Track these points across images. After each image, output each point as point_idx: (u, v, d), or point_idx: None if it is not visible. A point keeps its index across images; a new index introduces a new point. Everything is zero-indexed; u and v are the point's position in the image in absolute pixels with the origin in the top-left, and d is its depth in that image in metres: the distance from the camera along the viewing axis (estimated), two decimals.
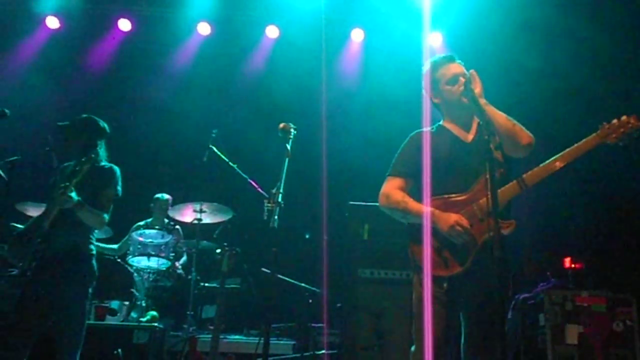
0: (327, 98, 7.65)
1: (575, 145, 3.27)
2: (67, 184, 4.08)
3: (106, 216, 4.36)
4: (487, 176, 2.85)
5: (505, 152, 3.34)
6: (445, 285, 3.26)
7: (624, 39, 6.97)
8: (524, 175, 3.26)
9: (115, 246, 6.93)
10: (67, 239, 4.23)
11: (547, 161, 3.27)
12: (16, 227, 4.51)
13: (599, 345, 5.48)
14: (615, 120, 3.26)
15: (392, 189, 3.51)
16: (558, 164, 3.25)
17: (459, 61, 3.57)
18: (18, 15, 8.27)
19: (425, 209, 3.32)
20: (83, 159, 4.17)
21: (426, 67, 3.63)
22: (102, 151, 4.51)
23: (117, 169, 4.47)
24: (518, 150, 3.34)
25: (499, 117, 3.29)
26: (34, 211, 6.20)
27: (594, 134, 3.28)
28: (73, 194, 4.09)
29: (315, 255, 7.17)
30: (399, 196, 3.46)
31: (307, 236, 7.46)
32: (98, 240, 6.28)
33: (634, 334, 5.51)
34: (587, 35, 6.97)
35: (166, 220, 7.21)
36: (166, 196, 7.31)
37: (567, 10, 7.15)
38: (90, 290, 4.33)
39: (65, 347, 4.14)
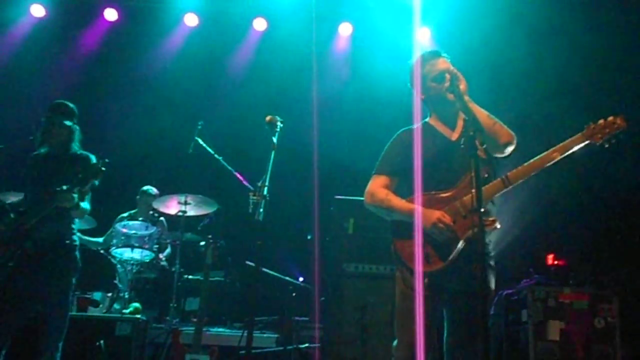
0: (315, 91, 7.64)
1: (560, 144, 3.27)
2: (69, 186, 4.07)
3: (88, 206, 4.36)
4: (472, 173, 2.85)
5: (488, 150, 3.34)
6: (426, 280, 3.26)
7: (614, 35, 7.01)
8: (508, 173, 3.26)
9: (100, 239, 6.89)
10: (50, 231, 4.22)
11: (532, 160, 3.28)
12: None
13: (581, 341, 5.53)
14: (601, 121, 3.26)
15: (376, 187, 3.52)
16: (543, 163, 3.24)
17: (446, 56, 3.57)
18: (1, 2, 8.17)
19: (415, 206, 3.32)
20: (100, 166, 4.13)
21: (412, 62, 3.61)
22: (77, 136, 4.51)
23: (93, 156, 4.47)
24: (498, 149, 3.34)
25: (481, 114, 3.28)
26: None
27: (579, 134, 3.28)
28: (75, 196, 4.10)
29: (300, 249, 7.18)
30: (383, 194, 3.47)
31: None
32: (82, 231, 6.28)
33: (615, 330, 5.56)
34: (577, 32, 7.00)
35: (150, 212, 7.17)
36: (155, 190, 7.27)
37: (557, 7, 7.19)
38: (73, 281, 4.33)
39: (48, 338, 4.15)
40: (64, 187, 4.06)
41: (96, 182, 4.35)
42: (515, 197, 6.83)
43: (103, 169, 4.13)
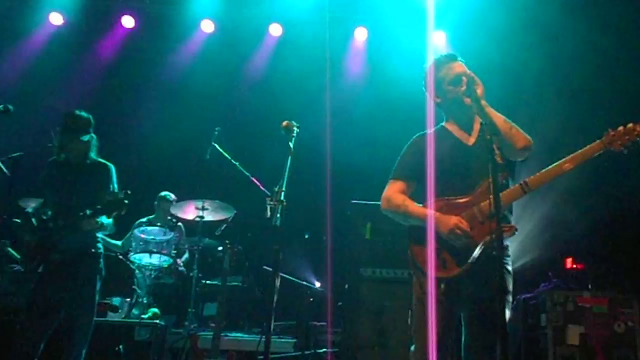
0: (330, 96, 7.65)
1: (579, 151, 3.23)
2: (92, 212, 4.12)
3: (111, 220, 4.41)
4: (490, 179, 2.84)
5: (504, 154, 3.32)
6: (442, 286, 3.25)
7: (628, 39, 6.95)
8: (528, 179, 3.24)
9: (119, 242, 6.94)
10: (76, 241, 4.30)
11: (550, 166, 3.24)
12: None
13: (601, 346, 5.48)
14: (620, 127, 3.22)
15: (393, 192, 3.52)
16: (561, 170, 3.21)
17: (462, 60, 3.56)
18: (21, 11, 8.28)
19: (428, 211, 3.31)
20: (123, 198, 4.14)
21: (428, 66, 3.61)
22: (94, 144, 4.54)
23: (111, 165, 4.53)
24: (514, 153, 3.32)
25: (498, 118, 3.27)
26: None
27: (597, 141, 3.24)
28: (99, 220, 4.21)
29: (317, 253, 7.18)
30: (400, 200, 3.47)
31: (306, 236, 7.44)
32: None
33: (635, 335, 5.52)
34: (591, 35, 6.95)
35: (168, 218, 7.21)
36: (173, 196, 7.31)
37: (571, 10, 7.14)
38: (98, 288, 4.40)
39: (73, 345, 4.21)
40: (88, 212, 4.11)
41: (116, 187, 4.40)
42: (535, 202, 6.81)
43: (126, 201, 4.13)
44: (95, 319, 4.71)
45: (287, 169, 3.62)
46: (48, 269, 4.23)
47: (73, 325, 4.24)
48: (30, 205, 6.38)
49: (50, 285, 4.23)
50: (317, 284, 7.26)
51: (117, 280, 6.51)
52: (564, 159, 3.24)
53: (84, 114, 4.54)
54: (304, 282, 6.81)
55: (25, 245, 4.37)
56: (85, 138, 4.45)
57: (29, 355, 4.12)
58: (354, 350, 5.39)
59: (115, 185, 4.49)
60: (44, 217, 4.29)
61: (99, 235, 4.60)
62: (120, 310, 6.06)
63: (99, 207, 4.09)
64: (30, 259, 4.27)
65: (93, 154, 4.52)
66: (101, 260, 4.47)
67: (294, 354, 6.09)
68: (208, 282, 6.86)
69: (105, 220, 4.30)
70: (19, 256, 5.35)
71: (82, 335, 4.25)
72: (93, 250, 4.40)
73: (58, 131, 4.47)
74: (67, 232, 4.19)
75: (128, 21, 8.41)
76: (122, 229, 6.85)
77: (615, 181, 6.88)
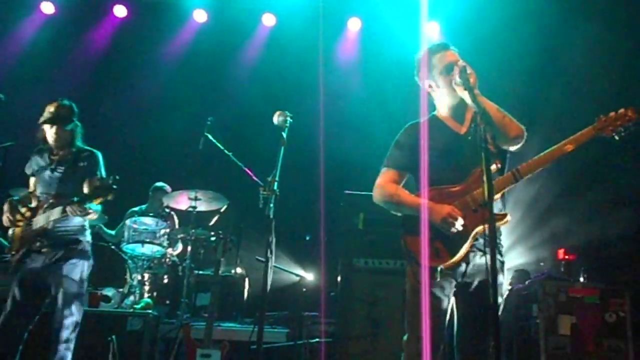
0: (323, 87, 7.63)
1: (571, 137, 3.24)
2: (79, 199, 4.08)
3: (99, 207, 4.38)
4: (482, 167, 2.83)
5: (497, 143, 3.32)
6: (438, 277, 3.25)
7: (623, 29, 6.95)
8: (519, 167, 3.24)
9: (112, 232, 6.94)
10: (64, 229, 4.28)
11: (542, 153, 3.25)
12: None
13: (592, 336, 5.50)
14: (612, 113, 3.23)
15: (385, 181, 3.50)
16: (552, 157, 3.22)
17: (454, 48, 3.54)
18: (12, 0, 8.22)
19: (421, 200, 3.31)
20: (111, 183, 4.08)
21: (421, 54, 3.59)
22: (79, 132, 4.51)
23: (98, 153, 4.50)
24: (508, 142, 3.31)
25: (491, 107, 3.24)
26: None
27: (589, 127, 3.24)
28: (86, 206, 4.13)
29: (310, 244, 7.18)
30: (392, 189, 3.46)
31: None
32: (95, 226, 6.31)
33: (626, 325, 5.53)
34: (586, 25, 6.95)
35: (161, 208, 7.20)
36: (168, 187, 7.30)
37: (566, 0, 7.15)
38: (86, 276, 4.38)
39: (62, 334, 4.18)
40: (75, 199, 4.07)
41: (109, 198, 4.35)
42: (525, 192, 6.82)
43: (115, 186, 4.10)
44: (87, 309, 4.71)
45: (280, 159, 3.61)
46: (36, 258, 4.21)
47: (60, 314, 4.19)
48: (21, 195, 6.37)
49: (37, 273, 4.21)
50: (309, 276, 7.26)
51: (110, 271, 6.49)
52: (555, 146, 3.24)
53: (66, 102, 4.49)
54: (297, 273, 6.82)
55: (10, 234, 4.36)
56: (69, 127, 4.42)
57: (12, 345, 4.11)
58: (347, 340, 5.39)
59: (103, 172, 4.45)
60: (30, 206, 4.28)
61: (93, 223, 4.58)
62: (112, 301, 6.05)
63: (86, 193, 4.07)
64: (16, 248, 4.26)
65: (79, 142, 4.48)
66: (89, 249, 4.43)
67: (286, 344, 6.10)
68: (201, 272, 6.86)
69: (94, 207, 4.28)
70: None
71: (69, 325, 4.20)
72: (81, 238, 4.36)
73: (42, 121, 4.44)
74: (52, 221, 4.17)
75: (120, 10, 8.38)
76: (114, 218, 6.86)
77: (607, 170, 6.91)
